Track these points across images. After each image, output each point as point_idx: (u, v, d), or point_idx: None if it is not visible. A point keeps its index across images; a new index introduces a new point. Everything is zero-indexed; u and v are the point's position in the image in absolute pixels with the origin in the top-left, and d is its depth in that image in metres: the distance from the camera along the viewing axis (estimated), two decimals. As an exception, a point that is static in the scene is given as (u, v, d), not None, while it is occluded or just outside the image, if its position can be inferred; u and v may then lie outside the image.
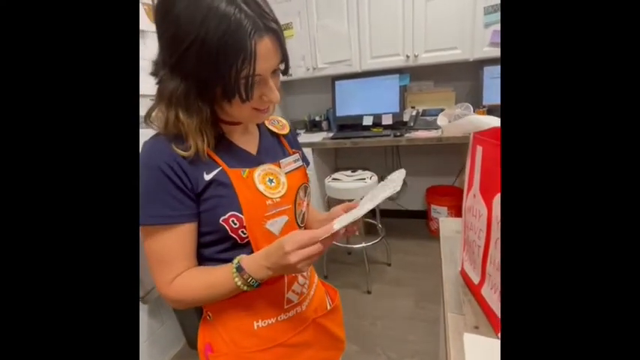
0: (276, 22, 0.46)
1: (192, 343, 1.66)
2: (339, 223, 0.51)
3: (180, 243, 0.51)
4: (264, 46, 0.45)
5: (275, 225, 0.55)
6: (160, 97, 0.49)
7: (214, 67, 0.44)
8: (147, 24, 1.37)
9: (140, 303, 1.39)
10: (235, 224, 0.52)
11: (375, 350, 1.53)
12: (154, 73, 0.49)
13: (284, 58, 0.50)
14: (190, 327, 1.63)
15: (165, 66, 0.47)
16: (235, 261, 0.51)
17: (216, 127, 0.53)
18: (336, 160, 2.75)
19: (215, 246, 0.54)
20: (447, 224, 0.89)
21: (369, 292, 1.92)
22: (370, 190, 0.62)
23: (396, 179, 0.56)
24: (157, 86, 0.50)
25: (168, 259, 0.51)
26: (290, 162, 0.61)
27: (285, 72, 0.52)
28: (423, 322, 1.65)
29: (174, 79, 0.47)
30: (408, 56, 2.02)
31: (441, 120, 0.56)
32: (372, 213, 2.43)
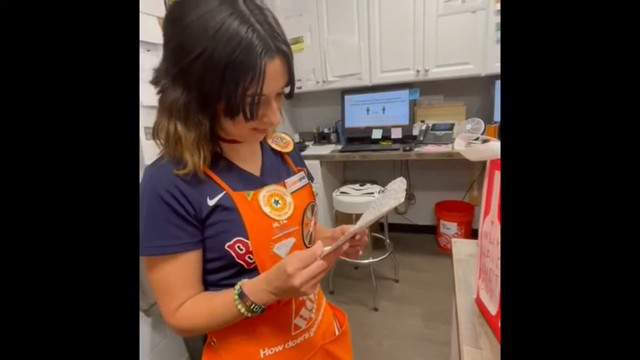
0: (286, 44, 0.46)
1: (194, 356, 1.63)
2: (341, 238, 0.49)
3: (184, 272, 0.49)
4: (273, 67, 0.44)
5: (282, 248, 0.53)
6: (162, 107, 0.48)
7: (220, 82, 0.43)
8: (160, 37, 1.39)
9: (144, 316, 1.38)
10: (241, 250, 0.50)
11: (382, 372, 1.48)
12: (154, 82, 0.48)
13: (290, 81, 0.49)
14: (193, 340, 1.60)
15: (167, 75, 0.46)
16: (237, 287, 0.49)
17: (213, 145, 0.52)
18: (344, 172, 2.73)
19: (221, 272, 0.52)
20: (459, 247, 0.86)
21: (375, 309, 1.87)
22: (369, 208, 0.59)
23: (398, 189, 0.53)
24: (158, 96, 0.49)
25: (173, 289, 0.49)
26: (295, 181, 0.60)
27: (289, 96, 0.52)
28: (432, 343, 1.59)
29: (176, 89, 0.46)
30: (418, 71, 2.01)
31: (459, 144, 0.54)
32: (379, 227, 2.40)
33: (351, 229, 0.50)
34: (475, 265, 0.78)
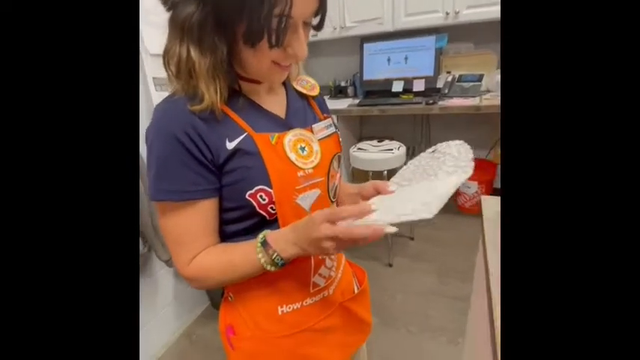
0: None
1: (215, 304, 1.72)
2: (383, 218, 0.38)
3: (200, 221, 0.46)
4: None
5: (306, 200, 0.49)
6: (173, 27, 0.42)
7: None
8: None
9: (166, 266, 1.43)
10: (264, 199, 0.46)
11: (395, 324, 1.52)
12: (165, 0, 0.42)
13: (321, 8, 0.42)
14: (214, 289, 1.68)
15: None
16: (260, 236, 0.46)
17: (231, 80, 0.45)
18: (361, 128, 2.63)
19: (240, 223, 0.49)
20: (489, 203, 0.81)
21: (390, 265, 1.89)
22: (410, 166, 0.52)
23: (460, 156, 0.45)
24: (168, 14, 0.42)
25: (188, 238, 0.46)
26: (322, 128, 0.54)
27: (319, 27, 0.44)
28: (446, 298, 1.61)
29: (189, 2, 0.39)
30: (447, 13, 1.81)
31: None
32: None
33: (400, 216, 0.37)
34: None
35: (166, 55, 0.43)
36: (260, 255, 0.44)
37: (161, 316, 1.49)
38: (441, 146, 0.50)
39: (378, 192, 0.50)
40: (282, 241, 0.44)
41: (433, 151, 0.51)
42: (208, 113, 0.43)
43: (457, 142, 0.48)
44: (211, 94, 0.42)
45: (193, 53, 0.41)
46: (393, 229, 0.36)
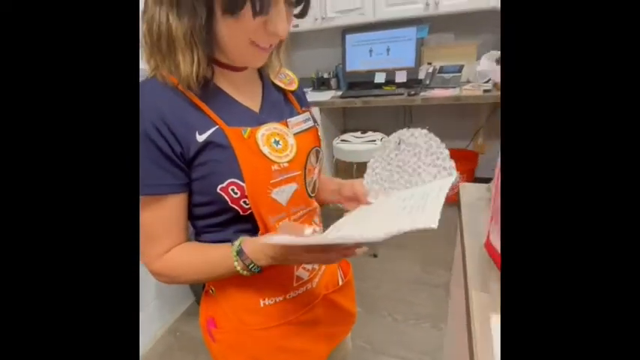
0: None
1: (200, 300, 1.70)
2: (342, 234, 0.43)
3: (169, 216, 0.45)
4: None
5: (282, 194, 0.48)
6: None
7: None
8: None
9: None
10: (236, 193, 0.45)
11: (380, 312, 1.54)
12: None
13: None
14: (199, 285, 1.65)
15: None
16: (237, 243, 0.45)
17: (210, 48, 0.42)
18: (345, 120, 2.63)
19: (213, 218, 0.48)
20: (468, 190, 0.82)
21: (375, 256, 1.91)
22: (380, 161, 0.54)
23: (430, 149, 0.46)
24: None
25: (157, 233, 0.45)
26: (299, 122, 0.53)
27: (303, 14, 0.43)
28: (429, 287, 1.65)
29: None
30: (427, 4, 1.81)
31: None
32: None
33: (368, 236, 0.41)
34: (484, 208, 0.74)
35: (145, 24, 0.41)
36: (236, 263, 0.45)
37: (144, 313, 1.46)
38: (405, 136, 0.50)
39: (356, 197, 0.53)
40: (259, 252, 0.44)
41: (399, 143, 0.51)
42: (178, 100, 0.42)
43: (421, 130, 0.48)
44: (187, 65, 0.40)
45: (171, 18, 0.39)
46: (363, 250, 0.42)
